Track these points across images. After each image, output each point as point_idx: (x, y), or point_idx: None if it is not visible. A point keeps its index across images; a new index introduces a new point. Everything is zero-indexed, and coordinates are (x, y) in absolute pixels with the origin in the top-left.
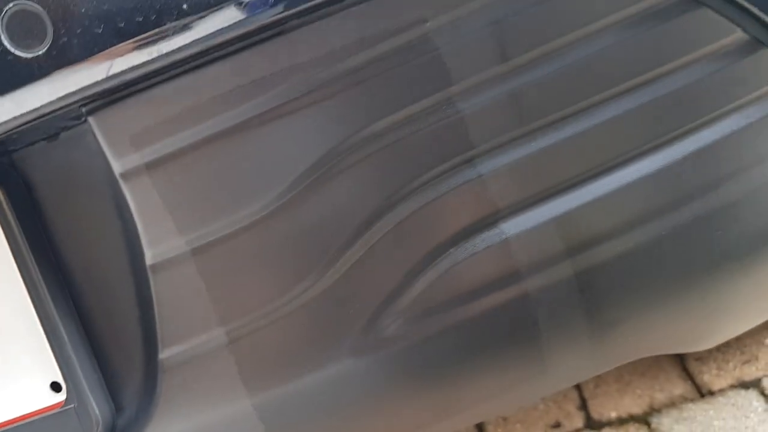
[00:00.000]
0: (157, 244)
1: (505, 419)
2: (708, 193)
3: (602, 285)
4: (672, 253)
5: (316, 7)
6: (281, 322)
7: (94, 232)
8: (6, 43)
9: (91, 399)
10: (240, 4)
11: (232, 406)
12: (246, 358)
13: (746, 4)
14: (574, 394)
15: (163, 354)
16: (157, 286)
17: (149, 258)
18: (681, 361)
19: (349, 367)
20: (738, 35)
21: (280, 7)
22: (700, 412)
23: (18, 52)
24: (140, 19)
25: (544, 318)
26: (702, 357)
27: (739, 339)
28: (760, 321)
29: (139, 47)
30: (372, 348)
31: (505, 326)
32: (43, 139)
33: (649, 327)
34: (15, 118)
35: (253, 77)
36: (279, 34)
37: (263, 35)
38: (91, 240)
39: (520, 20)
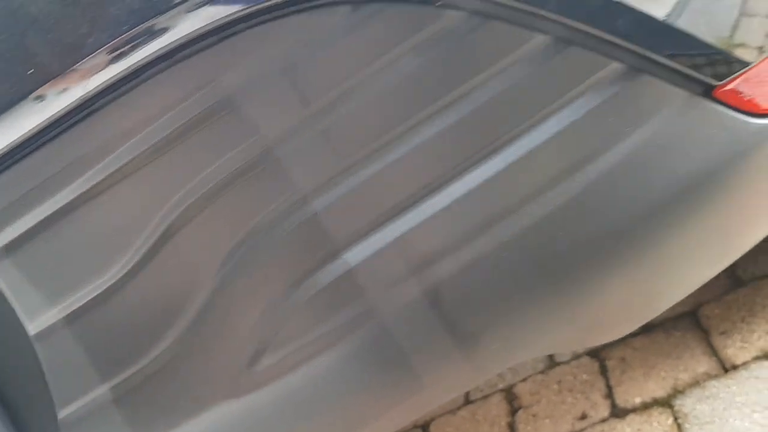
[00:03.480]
0: (34, 316)
1: (534, 415)
2: (543, 195)
3: (453, 298)
4: (519, 259)
5: (119, 84)
6: (158, 374)
7: None
8: None
9: None
10: (41, 97)
11: None
12: (132, 411)
13: (538, 11)
14: (601, 383)
15: (61, 414)
16: (43, 353)
17: (31, 329)
18: (706, 337)
19: (229, 407)
20: (541, 38)
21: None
22: (722, 388)
23: None
24: None
25: (404, 338)
26: (727, 330)
27: (765, 307)
28: (659, 309)
29: None
30: (247, 387)
31: (370, 351)
32: None
33: (522, 330)
34: None
35: (78, 154)
36: (92, 113)
37: (78, 117)
38: None
39: (312, 64)
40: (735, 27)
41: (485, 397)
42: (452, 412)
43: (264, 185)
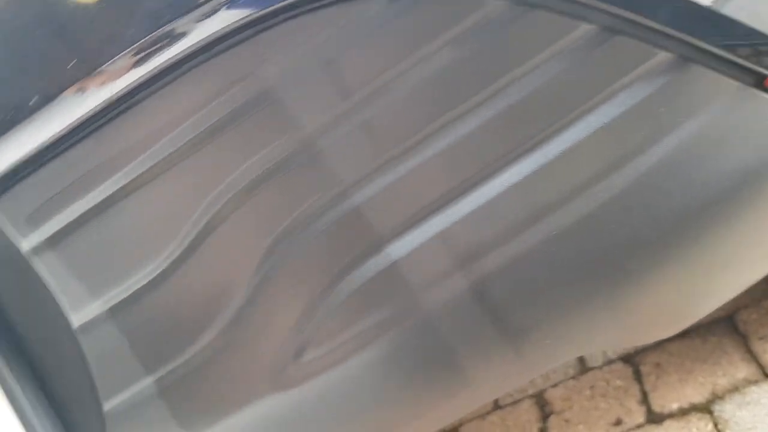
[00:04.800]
0: (77, 309)
1: (567, 420)
2: (590, 188)
3: (501, 292)
4: (568, 252)
5: (159, 77)
6: (202, 367)
7: (37, 304)
8: None
9: None
10: (81, 90)
11: None
12: (177, 404)
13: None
14: (635, 388)
15: (105, 406)
16: (87, 346)
17: (74, 322)
18: (744, 342)
19: (274, 400)
20: (585, 28)
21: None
22: (763, 394)
23: None
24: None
25: (450, 333)
26: (766, 335)
27: None
28: (703, 311)
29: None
30: (290, 380)
31: (414, 346)
32: None
33: (571, 327)
34: None
35: (119, 147)
36: (135, 104)
37: (119, 110)
38: (37, 311)
39: (351, 56)
40: None
41: (515, 402)
42: (481, 417)
43: (305, 178)
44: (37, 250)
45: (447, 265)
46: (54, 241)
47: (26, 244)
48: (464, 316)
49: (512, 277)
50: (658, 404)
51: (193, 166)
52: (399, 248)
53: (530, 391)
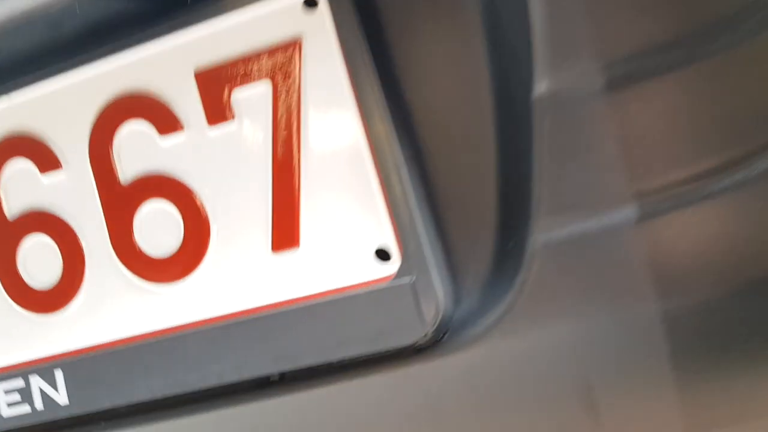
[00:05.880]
0: (557, 69)
1: None
2: None
3: None
4: None
5: None
6: (722, 197)
7: (456, 55)
8: None
9: (434, 275)
10: None
11: (626, 313)
12: (661, 245)
13: None
14: None
15: (537, 229)
16: (542, 130)
17: (539, 88)
18: None
19: None
20: None
21: None
22: None
23: None
24: None
25: None
26: None
27: None
28: None
29: None
30: None
31: None
32: None
33: None
34: None
35: None
36: None
37: None
38: (452, 64)
39: None
40: None
41: None
42: None
43: None
44: None
45: None
46: None
47: None
48: None
49: None
50: None
51: None
52: None
53: None
